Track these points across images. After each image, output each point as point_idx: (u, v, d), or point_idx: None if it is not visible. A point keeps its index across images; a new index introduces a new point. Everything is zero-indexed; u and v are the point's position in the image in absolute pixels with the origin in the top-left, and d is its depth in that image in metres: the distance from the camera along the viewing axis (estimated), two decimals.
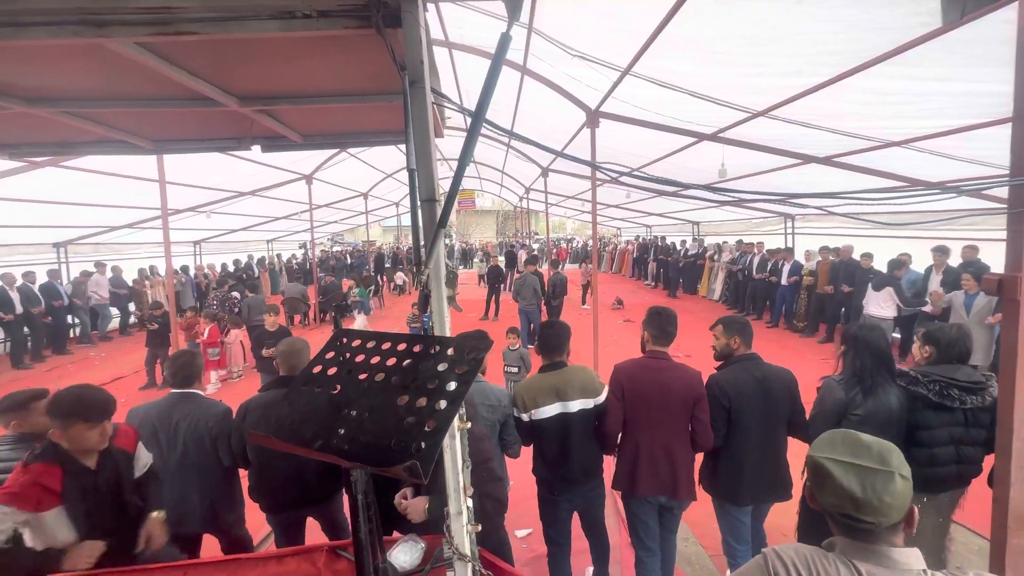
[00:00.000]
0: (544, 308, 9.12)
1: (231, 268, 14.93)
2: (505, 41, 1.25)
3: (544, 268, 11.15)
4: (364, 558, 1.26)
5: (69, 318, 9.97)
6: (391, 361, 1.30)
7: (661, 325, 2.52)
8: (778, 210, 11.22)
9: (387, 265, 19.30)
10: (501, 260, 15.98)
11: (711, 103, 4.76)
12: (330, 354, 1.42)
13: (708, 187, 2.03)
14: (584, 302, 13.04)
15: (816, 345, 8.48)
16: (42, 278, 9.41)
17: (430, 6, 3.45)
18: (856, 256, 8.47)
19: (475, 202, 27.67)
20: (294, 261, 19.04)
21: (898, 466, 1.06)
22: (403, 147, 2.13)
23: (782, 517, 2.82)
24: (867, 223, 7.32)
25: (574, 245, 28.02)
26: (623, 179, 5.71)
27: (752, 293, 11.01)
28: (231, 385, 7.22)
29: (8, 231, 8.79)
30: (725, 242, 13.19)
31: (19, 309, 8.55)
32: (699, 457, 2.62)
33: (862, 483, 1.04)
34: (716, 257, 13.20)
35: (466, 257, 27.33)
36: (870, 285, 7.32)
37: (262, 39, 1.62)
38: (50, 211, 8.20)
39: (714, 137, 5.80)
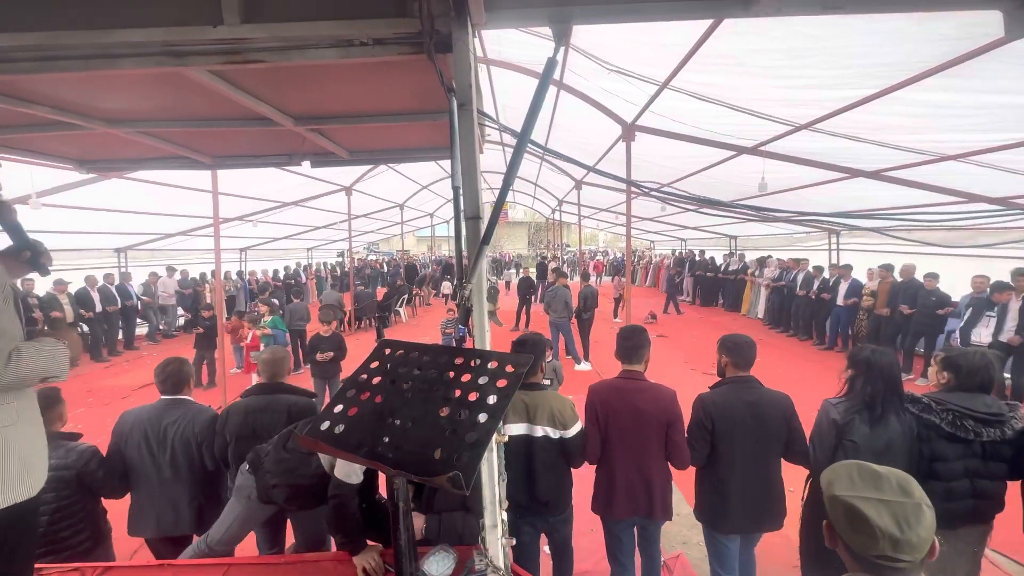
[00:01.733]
0: (575, 321, 9.05)
1: (281, 275, 15.84)
2: (551, 65, 1.29)
3: (575, 281, 11.09)
4: (403, 565, 1.30)
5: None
6: (433, 373, 1.34)
7: (624, 347, 2.53)
8: (822, 224, 10.80)
9: (419, 275, 19.74)
10: (532, 271, 16.03)
11: (751, 116, 4.68)
12: (375, 363, 1.47)
13: (754, 208, 2.00)
14: (616, 315, 12.88)
15: None
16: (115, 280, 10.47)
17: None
18: (919, 276, 7.66)
19: (507, 214, 27.94)
20: (338, 269, 19.90)
21: (921, 496, 1.02)
22: (441, 161, 2.19)
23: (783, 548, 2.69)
24: (919, 241, 6.93)
25: (609, 258, 27.71)
26: (660, 194, 5.65)
27: (797, 312, 10.37)
28: None
29: (77, 237, 9.56)
30: (769, 256, 12.61)
31: (98, 307, 9.57)
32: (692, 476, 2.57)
33: (897, 521, 0.99)
34: (758, 273, 12.54)
35: (498, 268, 27.53)
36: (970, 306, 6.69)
37: (317, 65, 1.73)
38: (113, 219, 8.86)
39: (754, 151, 5.67)
